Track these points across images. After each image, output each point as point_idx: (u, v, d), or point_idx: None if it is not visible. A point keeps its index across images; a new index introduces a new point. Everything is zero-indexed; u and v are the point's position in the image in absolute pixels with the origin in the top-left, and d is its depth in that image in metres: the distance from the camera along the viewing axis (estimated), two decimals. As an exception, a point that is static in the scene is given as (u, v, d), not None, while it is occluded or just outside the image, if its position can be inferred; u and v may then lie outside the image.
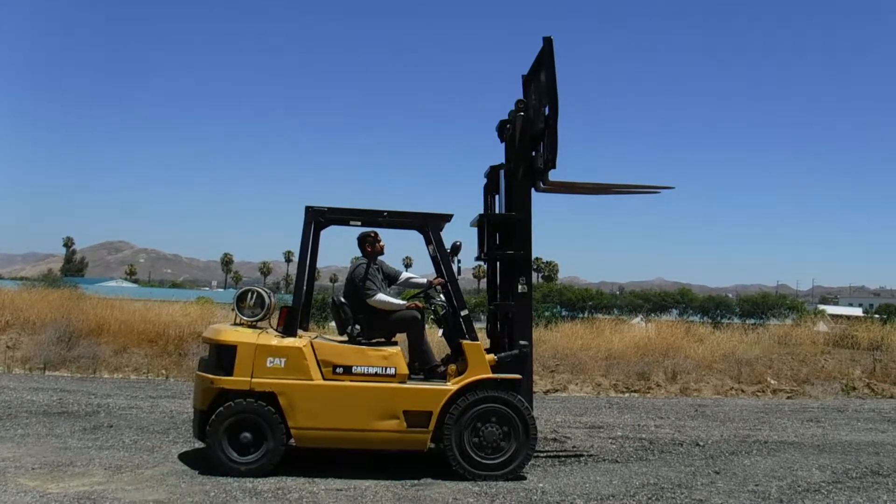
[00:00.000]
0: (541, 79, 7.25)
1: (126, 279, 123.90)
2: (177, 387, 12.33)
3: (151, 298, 26.89)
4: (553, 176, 7.22)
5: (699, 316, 72.05)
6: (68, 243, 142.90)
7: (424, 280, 7.51)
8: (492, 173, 7.72)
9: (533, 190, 7.37)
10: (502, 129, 7.77)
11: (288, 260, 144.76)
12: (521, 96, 7.68)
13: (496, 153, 7.80)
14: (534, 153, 7.38)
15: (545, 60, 7.09)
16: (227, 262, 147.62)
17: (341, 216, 7.03)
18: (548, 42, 7.05)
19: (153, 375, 13.82)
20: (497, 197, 7.66)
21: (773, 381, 15.57)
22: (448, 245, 7.03)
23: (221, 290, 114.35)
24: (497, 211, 7.63)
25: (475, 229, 7.83)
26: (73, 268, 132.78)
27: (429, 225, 7.01)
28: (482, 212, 7.77)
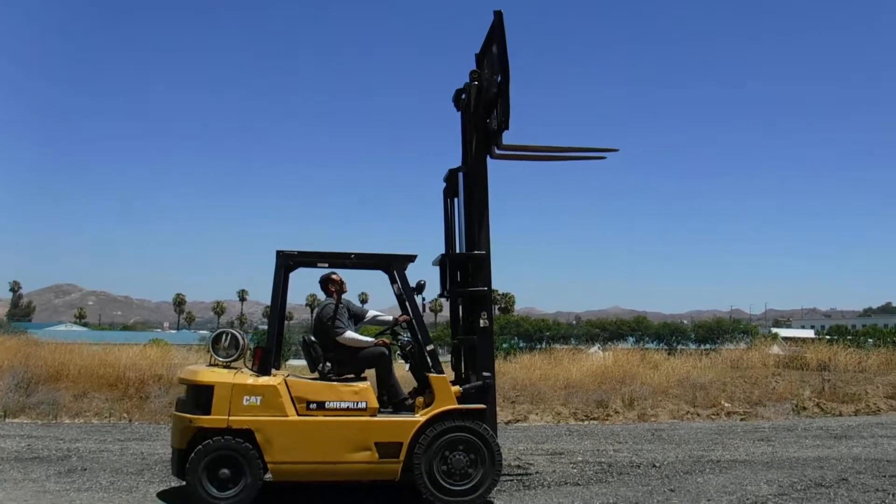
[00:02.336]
0: (493, 51, 7.74)
1: (76, 322, 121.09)
2: (143, 429, 12.39)
3: (103, 342, 26.60)
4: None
5: (655, 343, 73.28)
6: (15, 287, 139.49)
7: (390, 317, 7.89)
8: (450, 176, 8.21)
9: (489, 158, 7.85)
10: (458, 99, 8.29)
11: (242, 299, 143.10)
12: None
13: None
14: (488, 120, 7.87)
15: (496, 33, 7.60)
16: (179, 302, 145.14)
17: (310, 259, 7.33)
18: (498, 16, 7.57)
19: (115, 419, 13.81)
20: (456, 200, 8.16)
21: (726, 404, 16.12)
22: (411, 283, 7.40)
23: (174, 331, 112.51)
24: (455, 212, 8.14)
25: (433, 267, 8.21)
26: (20, 312, 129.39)
27: (394, 265, 7.39)
28: (443, 252, 8.17)
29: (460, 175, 8.04)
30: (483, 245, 7.68)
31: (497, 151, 7.81)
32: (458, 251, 8.09)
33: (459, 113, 8.33)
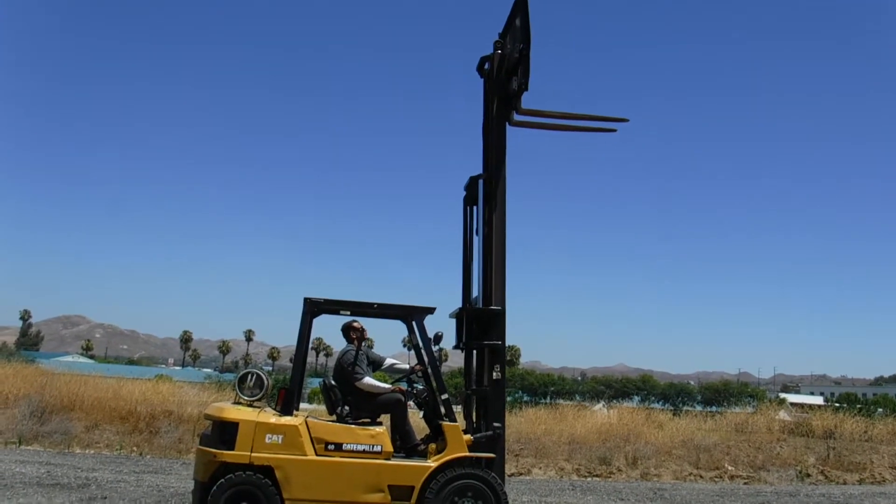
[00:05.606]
0: (516, 24, 8.34)
1: (82, 354, 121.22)
2: (155, 463, 12.65)
3: (108, 375, 26.88)
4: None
5: (661, 403, 72.78)
6: (25, 316, 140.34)
7: (407, 366, 8.23)
8: (471, 184, 8.69)
9: (507, 125, 8.43)
10: (481, 67, 8.87)
11: (248, 339, 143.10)
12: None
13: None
14: (507, 85, 8.45)
15: (520, 7, 8.21)
16: (186, 339, 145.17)
17: (334, 307, 7.73)
18: None
19: (126, 452, 14.07)
20: (475, 208, 8.61)
21: (730, 467, 16.20)
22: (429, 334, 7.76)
23: (179, 367, 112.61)
24: (475, 219, 8.60)
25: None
26: (28, 341, 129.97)
27: (413, 316, 7.76)
28: (461, 305, 8.54)
29: (480, 182, 8.49)
30: (499, 287, 8.06)
31: (516, 117, 8.38)
32: (473, 273, 8.53)
33: (483, 80, 8.87)
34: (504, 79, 8.55)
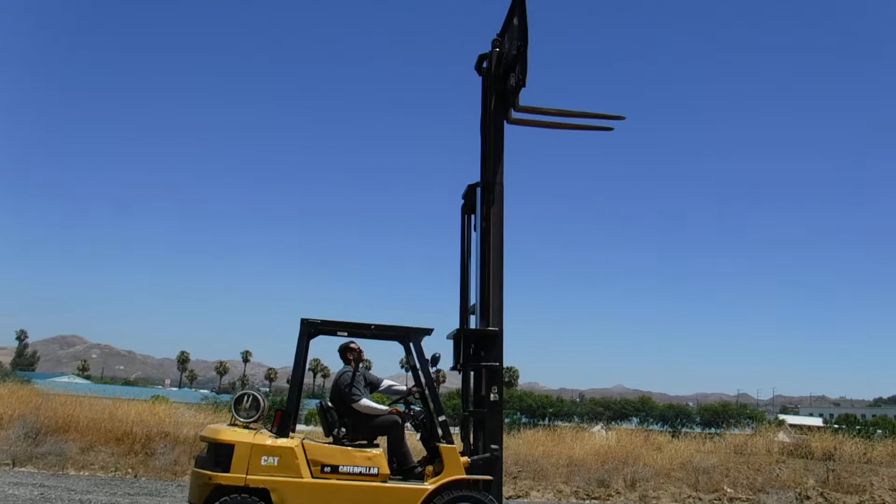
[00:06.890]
0: (514, 23, 8.42)
1: (78, 375, 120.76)
2: (150, 485, 12.55)
3: (104, 396, 26.74)
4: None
5: (659, 424, 72.51)
6: (21, 336, 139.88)
7: (404, 387, 8.20)
8: (468, 192, 8.71)
9: (506, 123, 8.53)
10: (480, 65, 8.96)
11: (245, 360, 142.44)
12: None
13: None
14: (505, 82, 8.53)
15: (518, 7, 8.30)
16: (183, 360, 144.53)
17: (331, 328, 7.70)
18: None
19: (121, 474, 13.96)
20: (473, 217, 8.64)
21: (729, 490, 16.10)
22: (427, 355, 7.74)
23: (175, 388, 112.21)
24: (473, 224, 8.63)
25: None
26: (24, 362, 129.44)
27: (410, 337, 7.74)
28: (458, 326, 8.53)
29: (478, 190, 8.52)
30: (496, 307, 8.04)
31: (514, 115, 8.43)
32: (470, 279, 8.54)
33: (481, 78, 8.96)
34: (502, 76, 8.65)
